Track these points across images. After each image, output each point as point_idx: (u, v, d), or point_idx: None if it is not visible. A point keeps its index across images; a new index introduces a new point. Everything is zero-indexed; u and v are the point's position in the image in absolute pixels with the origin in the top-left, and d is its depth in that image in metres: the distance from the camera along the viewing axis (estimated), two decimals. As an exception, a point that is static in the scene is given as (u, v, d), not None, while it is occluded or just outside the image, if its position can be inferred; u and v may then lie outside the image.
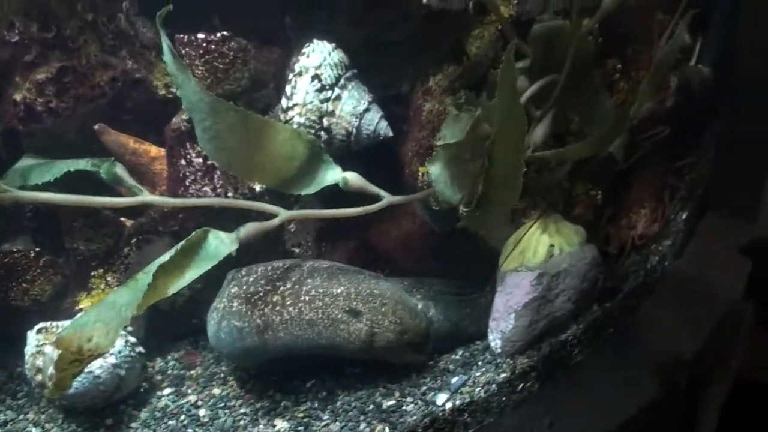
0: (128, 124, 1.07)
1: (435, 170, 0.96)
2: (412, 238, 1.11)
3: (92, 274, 1.08)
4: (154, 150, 1.08)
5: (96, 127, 1.04)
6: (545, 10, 1.03)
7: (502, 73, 0.78)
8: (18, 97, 0.99)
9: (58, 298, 1.08)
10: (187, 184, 1.04)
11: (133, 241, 1.07)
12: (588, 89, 1.02)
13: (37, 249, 1.05)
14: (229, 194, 1.02)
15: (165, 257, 0.85)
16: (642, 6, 1.13)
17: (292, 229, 1.10)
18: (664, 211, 1.27)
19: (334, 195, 1.01)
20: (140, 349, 1.01)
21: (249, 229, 0.93)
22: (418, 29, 0.99)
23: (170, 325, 1.11)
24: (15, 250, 1.04)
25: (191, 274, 0.87)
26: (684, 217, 1.26)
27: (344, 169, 1.00)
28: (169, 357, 1.11)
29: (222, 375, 1.05)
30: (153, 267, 0.84)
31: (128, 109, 1.07)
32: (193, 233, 0.89)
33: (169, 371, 1.07)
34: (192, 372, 1.07)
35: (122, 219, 1.09)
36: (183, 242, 0.88)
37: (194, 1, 0.96)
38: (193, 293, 1.08)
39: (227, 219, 0.99)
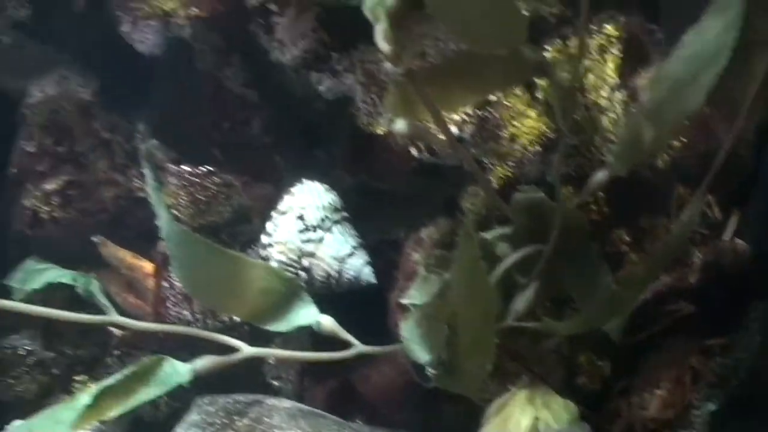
0: (129, 239, 1.11)
1: (407, 327, 0.93)
2: (391, 387, 1.07)
3: (76, 378, 1.10)
4: (149, 266, 1.10)
5: (95, 239, 1.08)
6: (544, 173, 1.00)
7: (462, 249, 0.75)
8: (27, 203, 1.05)
9: (44, 396, 1.10)
10: (168, 306, 1.05)
11: (115, 352, 1.09)
12: (582, 262, 0.97)
13: (27, 348, 1.09)
14: (208, 321, 1.03)
15: (111, 380, 0.86)
16: (660, 178, 1.07)
17: (272, 362, 1.09)
18: (684, 395, 1.16)
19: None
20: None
21: (206, 362, 0.92)
22: (408, 181, 0.98)
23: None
24: (7, 345, 1.08)
25: (137, 398, 0.87)
26: (712, 408, 1.15)
27: (326, 310, 0.99)
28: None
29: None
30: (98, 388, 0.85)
31: (129, 226, 1.11)
32: (148, 359, 0.89)
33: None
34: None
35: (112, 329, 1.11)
36: (134, 367, 0.88)
37: (201, 133, 0.99)
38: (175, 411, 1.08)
39: (204, 345, 0.99)
